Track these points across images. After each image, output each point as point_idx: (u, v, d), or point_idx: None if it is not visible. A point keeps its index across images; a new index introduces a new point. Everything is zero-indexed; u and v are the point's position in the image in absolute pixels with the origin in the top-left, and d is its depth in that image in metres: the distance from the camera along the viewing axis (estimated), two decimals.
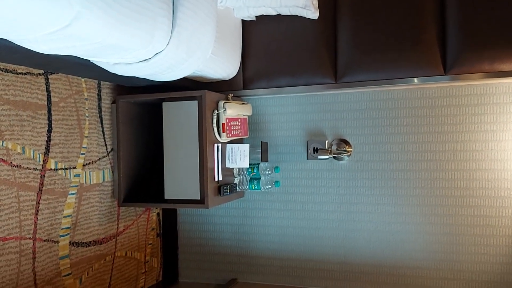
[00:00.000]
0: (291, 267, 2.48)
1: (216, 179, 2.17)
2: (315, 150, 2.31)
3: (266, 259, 2.53)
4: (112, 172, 2.26)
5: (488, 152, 2.15)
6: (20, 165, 1.72)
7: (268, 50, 2.30)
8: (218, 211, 2.63)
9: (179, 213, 2.72)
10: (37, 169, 1.81)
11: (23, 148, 1.74)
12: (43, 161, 1.84)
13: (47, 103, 1.86)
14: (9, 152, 1.68)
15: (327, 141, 2.35)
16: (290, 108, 2.45)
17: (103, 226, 2.19)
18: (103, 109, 2.20)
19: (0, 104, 1.65)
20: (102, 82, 2.19)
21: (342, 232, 2.38)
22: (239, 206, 2.58)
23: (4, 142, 1.66)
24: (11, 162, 1.69)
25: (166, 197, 2.18)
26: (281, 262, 2.50)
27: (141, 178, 2.39)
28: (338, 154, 2.31)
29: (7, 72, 1.68)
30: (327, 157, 2.23)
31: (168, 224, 2.72)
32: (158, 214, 2.68)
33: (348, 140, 2.34)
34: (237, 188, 2.36)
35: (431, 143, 2.23)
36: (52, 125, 1.88)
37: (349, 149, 2.32)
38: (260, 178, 2.34)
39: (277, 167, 2.36)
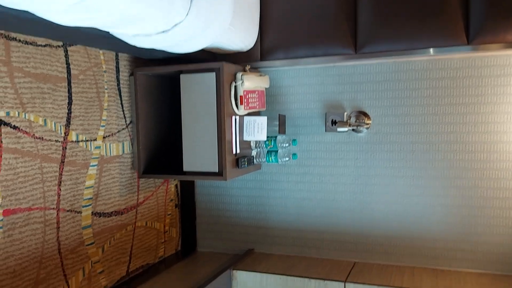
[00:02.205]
0: (308, 238, 2.51)
1: (234, 152, 2.18)
2: (334, 123, 2.29)
3: (282, 230, 2.56)
4: (132, 144, 2.28)
5: (510, 124, 2.11)
6: (42, 137, 1.75)
7: (286, 21, 2.26)
8: (235, 183, 2.65)
9: (197, 184, 2.75)
10: (59, 141, 1.83)
11: (45, 120, 1.76)
12: (65, 133, 1.86)
13: (67, 76, 1.87)
14: (32, 124, 1.70)
15: (345, 113, 2.33)
16: (308, 79, 2.42)
17: (124, 197, 2.23)
18: (121, 81, 2.21)
19: (21, 76, 1.66)
20: (120, 55, 2.19)
21: (359, 204, 2.39)
22: (256, 178, 2.59)
23: (27, 114, 1.68)
24: (34, 134, 1.71)
25: (184, 169, 2.20)
26: (298, 233, 2.53)
27: (159, 150, 2.41)
28: (357, 126, 2.29)
29: (27, 44, 1.68)
30: (346, 129, 2.22)
31: (186, 195, 2.76)
32: (176, 185, 2.71)
33: (367, 112, 2.32)
34: (255, 160, 2.37)
35: (452, 115, 2.19)
36: (72, 98, 1.90)
37: (368, 122, 2.31)
38: (277, 150, 2.34)
39: (295, 139, 2.35)
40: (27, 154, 1.68)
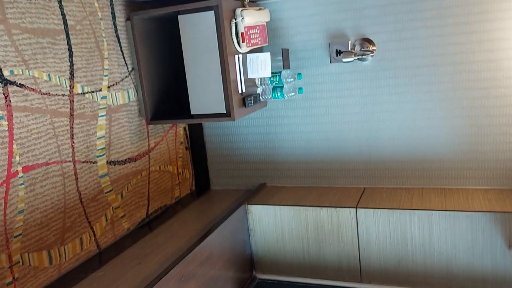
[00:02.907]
0: (317, 169, 2.57)
1: (240, 91, 2.18)
2: (338, 53, 2.26)
3: (292, 163, 2.62)
4: (136, 91, 2.28)
5: None
6: (49, 93, 1.75)
7: None
8: (242, 121, 2.68)
9: (205, 126, 2.78)
10: (66, 95, 1.84)
11: (49, 75, 1.76)
12: (70, 86, 1.86)
13: (64, 28, 1.83)
14: (37, 81, 1.70)
15: (349, 42, 2.29)
16: (308, 10, 2.36)
17: (135, 144, 2.27)
18: (118, 27, 2.16)
19: (19, 33, 1.63)
20: (114, 0, 2.13)
21: (366, 132, 2.42)
22: (263, 115, 2.61)
23: (30, 71, 1.67)
24: (40, 90, 1.72)
25: (192, 112, 2.21)
26: (307, 165, 2.59)
27: (165, 95, 2.41)
28: (362, 55, 2.27)
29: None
30: (351, 59, 2.19)
31: (195, 137, 2.80)
32: (184, 128, 2.74)
33: (371, 39, 2.28)
34: (261, 98, 2.37)
35: (457, 35, 2.15)
36: (73, 50, 1.87)
37: (372, 48, 2.27)
38: (282, 86, 2.34)
39: (300, 73, 2.34)
40: (36, 110, 1.70)
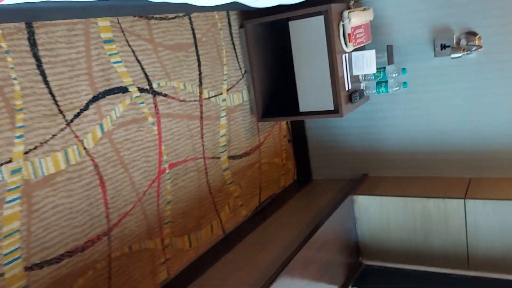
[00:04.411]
0: (420, 159, 2.64)
1: (346, 88, 2.31)
2: (443, 47, 2.31)
3: (395, 154, 2.71)
4: (248, 91, 2.50)
5: None
6: (185, 100, 2.02)
7: None
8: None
9: (307, 119, 2.94)
10: (196, 101, 2.09)
11: (184, 84, 2.02)
12: (199, 92, 2.11)
13: (194, 41, 2.08)
14: (176, 90, 1.97)
15: (455, 36, 2.32)
16: (412, 7, 2.42)
17: (249, 140, 2.51)
18: (233, 35, 2.38)
19: (162, 50, 1.90)
20: (229, 12, 2.34)
21: (470, 123, 2.44)
22: (364, 109, 2.72)
23: (171, 82, 1.94)
24: (179, 98, 1.98)
25: (301, 110, 2.39)
26: (410, 155, 2.66)
27: (274, 93, 2.61)
28: (469, 49, 2.29)
29: (162, 20, 1.90)
30: (460, 55, 2.23)
31: (297, 130, 2.98)
32: (287, 123, 2.93)
33: (476, 32, 2.29)
34: (365, 93, 2.48)
35: None
36: (200, 60, 2.12)
37: (478, 43, 2.29)
38: (387, 81, 2.43)
39: (404, 68, 2.41)
40: (176, 116, 1.97)
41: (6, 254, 1.30)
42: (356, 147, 2.82)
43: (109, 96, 1.64)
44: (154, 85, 1.85)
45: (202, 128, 2.13)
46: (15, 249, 1.33)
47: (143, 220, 1.77)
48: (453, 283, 2.33)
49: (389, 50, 2.40)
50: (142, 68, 1.79)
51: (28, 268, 1.36)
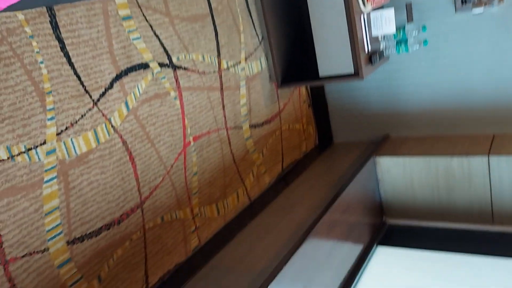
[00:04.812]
0: (442, 118, 2.62)
1: (366, 50, 2.29)
2: (464, 1, 2.25)
3: (416, 114, 2.70)
4: (266, 58, 2.50)
5: None
6: (204, 72, 2.03)
7: None
8: None
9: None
10: (215, 72, 2.11)
11: (203, 56, 2.03)
12: (218, 63, 2.12)
13: (209, 10, 2.07)
14: (195, 63, 1.98)
15: None
16: None
17: (269, 108, 2.52)
18: (249, 1, 2.36)
19: (179, 22, 1.90)
20: None
21: (494, 79, 2.40)
22: (385, 69, 2.69)
23: (190, 55, 1.95)
24: (198, 70, 2.00)
25: (321, 75, 2.38)
26: (432, 114, 2.65)
27: (291, 59, 2.60)
28: (490, 3, 2.22)
29: None
30: (481, 9, 2.17)
31: (317, 94, 2.98)
32: (306, 87, 2.93)
33: None
34: (384, 53, 2.45)
35: None
36: (217, 29, 2.12)
37: None
38: (406, 40, 2.39)
39: (424, 26, 2.36)
40: (197, 88, 1.99)
41: (48, 231, 1.38)
42: (377, 109, 2.81)
43: (131, 73, 1.67)
44: (174, 59, 1.87)
45: (222, 99, 2.15)
46: (57, 225, 1.40)
47: (172, 192, 1.84)
48: (478, 238, 2.37)
49: (408, 7, 2.35)
50: (161, 43, 1.80)
51: (70, 242, 1.44)
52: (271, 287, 1.59)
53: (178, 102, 1.88)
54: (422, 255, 2.32)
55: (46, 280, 1.37)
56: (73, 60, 1.46)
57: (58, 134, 1.41)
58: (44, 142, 1.37)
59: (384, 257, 2.38)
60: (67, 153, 1.43)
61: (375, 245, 2.45)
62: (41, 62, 1.37)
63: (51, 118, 1.39)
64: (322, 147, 3.01)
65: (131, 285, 1.65)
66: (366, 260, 2.33)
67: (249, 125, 2.34)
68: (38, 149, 1.36)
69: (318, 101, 3.00)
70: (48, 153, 1.38)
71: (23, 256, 1.31)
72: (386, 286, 2.16)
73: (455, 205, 2.43)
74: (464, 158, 2.29)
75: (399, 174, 2.51)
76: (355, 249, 2.31)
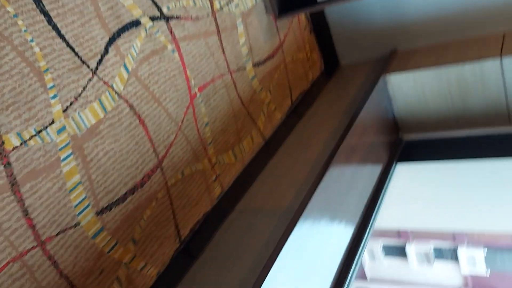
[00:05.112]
0: (449, 23, 2.52)
1: None
2: None
3: (422, 22, 2.59)
4: None
5: None
6: (197, 16, 1.95)
7: None
8: None
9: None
10: (209, 15, 2.02)
11: (194, 0, 1.93)
12: (210, 5, 2.03)
13: None
14: (187, 9, 1.90)
15: None
16: None
17: (269, 42, 2.44)
18: None
19: None
20: None
21: None
22: None
23: (180, 2, 1.86)
24: (191, 17, 1.92)
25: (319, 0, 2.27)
26: (438, 21, 2.54)
27: None
28: None
29: None
30: None
31: (317, 19, 2.87)
32: (305, 14, 2.81)
33: None
34: None
35: None
36: None
37: None
38: None
39: None
40: (193, 36, 1.92)
41: (76, 206, 1.41)
42: (381, 23, 2.71)
43: (124, 34, 1.61)
44: (164, 10, 1.79)
45: (221, 42, 2.08)
46: (83, 199, 1.43)
47: (187, 146, 1.84)
48: (496, 141, 2.36)
49: None
50: None
51: (99, 213, 1.48)
52: (300, 221, 1.63)
53: (176, 54, 1.83)
54: (442, 167, 2.34)
55: (84, 252, 1.43)
56: (62, 32, 1.40)
57: (64, 110, 1.39)
58: (53, 122, 1.36)
59: (405, 174, 2.41)
60: (78, 128, 1.43)
61: (394, 163, 2.47)
62: (31, 40, 1.32)
63: (54, 96, 1.37)
64: (329, 73, 2.95)
65: (165, 241, 1.71)
66: (387, 180, 2.36)
67: (252, 64, 2.28)
68: (48, 129, 1.35)
69: (319, 25, 2.89)
70: (59, 131, 1.38)
71: (57, 234, 1.35)
72: (409, 202, 2.21)
73: (471, 111, 2.40)
74: (476, 63, 2.23)
75: (411, 89, 2.47)
76: (375, 171, 2.34)
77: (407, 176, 2.38)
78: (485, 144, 2.36)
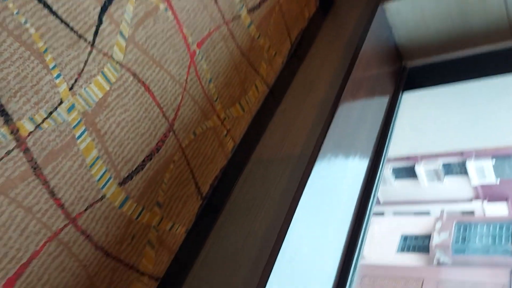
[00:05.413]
0: None
1: None
2: None
3: None
4: None
5: None
6: None
7: None
8: None
9: None
10: None
11: None
12: None
13: None
14: None
15: None
16: None
17: None
18: None
19: None
20: None
21: None
22: None
23: None
24: None
25: None
26: None
27: None
28: None
29: None
30: None
31: None
32: None
33: None
34: None
35: None
36: None
37: None
38: None
39: None
40: None
41: (98, 180, 1.45)
42: None
43: (114, 1, 1.56)
44: None
45: None
46: (104, 173, 1.47)
47: (195, 106, 1.85)
48: (499, 57, 2.34)
49: None
50: None
51: (122, 183, 1.52)
52: (317, 164, 1.67)
53: (170, 13, 1.78)
54: (449, 90, 2.34)
55: (113, 222, 1.48)
56: (54, 8, 1.37)
57: (70, 89, 1.39)
58: (61, 101, 1.36)
59: (412, 102, 2.42)
60: (87, 104, 1.43)
61: (400, 92, 2.47)
62: (25, 22, 1.29)
63: (58, 76, 1.36)
64: (325, 8, 2.87)
65: (188, 200, 1.77)
66: (395, 110, 2.38)
67: (247, 11, 2.22)
68: (59, 109, 1.36)
69: None
70: (69, 110, 1.38)
71: (85, 209, 1.40)
72: (419, 130, 2.24)
73: (471, 29, 2.36)
74: None
75: (410, 14, 2.41)
76: (383, 103, 2.35)
77: (415, 104, 2.39)
78: (489, 62, 2.34)
